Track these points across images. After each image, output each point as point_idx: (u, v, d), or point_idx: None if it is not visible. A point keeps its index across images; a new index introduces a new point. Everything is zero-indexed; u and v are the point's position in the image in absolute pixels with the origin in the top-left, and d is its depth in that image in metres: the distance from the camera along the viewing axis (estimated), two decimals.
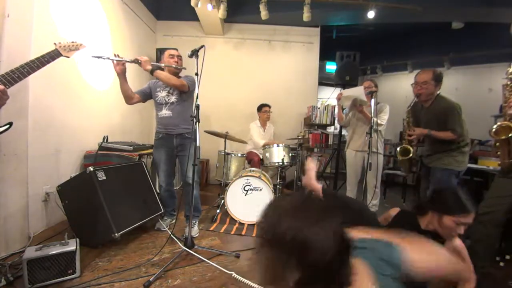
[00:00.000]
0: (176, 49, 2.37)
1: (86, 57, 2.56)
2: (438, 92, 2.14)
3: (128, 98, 2.23)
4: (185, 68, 2.27)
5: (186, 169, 2.19)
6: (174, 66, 2.20)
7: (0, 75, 1.29)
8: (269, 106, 3.76)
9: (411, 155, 2.21)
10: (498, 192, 1.71)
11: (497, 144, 1.67)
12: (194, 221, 2.35)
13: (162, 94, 2.27)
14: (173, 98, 2.25)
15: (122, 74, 2.08)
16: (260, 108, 3.77)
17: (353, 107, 2.89)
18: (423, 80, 2.10)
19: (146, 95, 2.35)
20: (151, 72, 2.05)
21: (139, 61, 2.03)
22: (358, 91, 2.76)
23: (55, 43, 1.53)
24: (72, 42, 1.60)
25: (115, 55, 2.01)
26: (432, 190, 1.58)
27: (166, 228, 2.36)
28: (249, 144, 3.67)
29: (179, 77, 2.27)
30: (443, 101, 2.12)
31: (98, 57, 1.91)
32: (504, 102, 1.65)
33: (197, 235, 2.31)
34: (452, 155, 2.11)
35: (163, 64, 2.18)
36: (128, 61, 2.02)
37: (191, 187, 2.15)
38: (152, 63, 2.06)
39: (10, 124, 1.39)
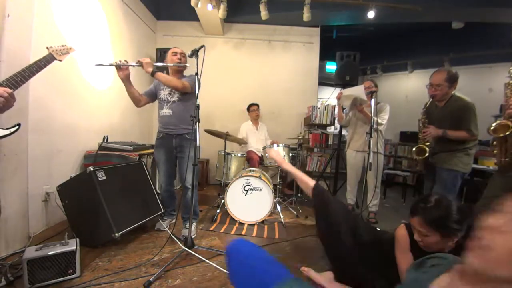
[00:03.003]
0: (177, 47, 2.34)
1: (86, 56, 2.57)
2: (453, 92, 2.12)
3: (136, 101, 2.23)
4: (188, 65, 2.24)
5: (185, 171, 2.17)
6: (176, 64, 2.19)
7: (5, 79, 1.32)
8: (257, 105, 3.88)
9: (427, 154, 2.15)
10: (494, 191, 1.70)
11: (495, 142, 1.66)
12: (192, 222, 2.31)
13: (165, 92, 2.27)
14: (175, 97, 2.24)
15: (126, 79, 2.06)
16: (248, 108, 3.90)
17: (353, 107, 2.89)
18: (437, 82, 2.09)
19: (153, 95, 2.34)
20: (152, 74, 2.04)
21: (141, 63, 2.00)
22: (358, 91, 2.75)
23: (47, 47, 1.57)
24: (63, 46, 1.64)
25: (118, 62, 1.98)
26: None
27: (166, 228, 2.36)
28: (248, 143, 3.69)
29: (184, 76, 2.28)
30: (459, 100, 2.09)
31: (100, 65, 1.91)
32: (505, 101, 1.65)
33: (194, 236, 2.30)
34: (457, 156, 2.09)
35: (166, 64, 2.17)
36: (130, 65, 1.99)
37: (189, 191, 2.19)
38: (154, 63, 2.04)
39: (19, 125, 1.42)
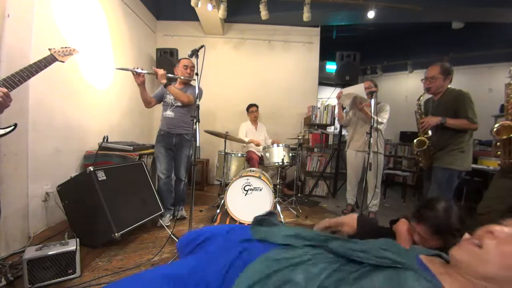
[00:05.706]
0: (189, 59, 2.46)
1: (86, 56, 2.57)
2: (449, 86, 2.12)
3: (147, 103, 2.50)
4: (194, 79, 2.35)
5: (180, 166, 2.48)
6: (185, 78, 2.47)
7: (2, 79, 1.31)
8: (257, 106, 3.88)
9: (427, 144, 2.10)
10: (497, 192, 1.69)
11: (498, 143, 1.65)
12: (181, 207, 2.67)
13: (170, 97, 2.50)
14: (179, 102, 2.47)
15: (142, 85, 2.31)
16: (248, 108, 3.90)
17: (353, 106, 2.89)
18: (431, 75, 2.12)
19: (160, 98, 2.59)
20: (165, 86, 2.30)
21: (156, 73, 2.23)
22: (358, 89, 2.75)
23: (49, 49, 1.56)
24: (66, 47, 1.64)
25: (137, 68, 2.21)
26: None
27: (167, 225, 2.40)
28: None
29: (190, 85, 2.57)
30: (453, 91, 2.10)
31: (122, 69, 2.19)
32: (506, 101, 1.63)
33: (187, 217, 2.62)
34: (451, 154, 2.06)
35: (176, 76, 2.43)
36: (148, 73, 2.22)
37: (182, 183, 2.57)
38: (166, 75, 2.27)
39: (15, 125, 1.41)
